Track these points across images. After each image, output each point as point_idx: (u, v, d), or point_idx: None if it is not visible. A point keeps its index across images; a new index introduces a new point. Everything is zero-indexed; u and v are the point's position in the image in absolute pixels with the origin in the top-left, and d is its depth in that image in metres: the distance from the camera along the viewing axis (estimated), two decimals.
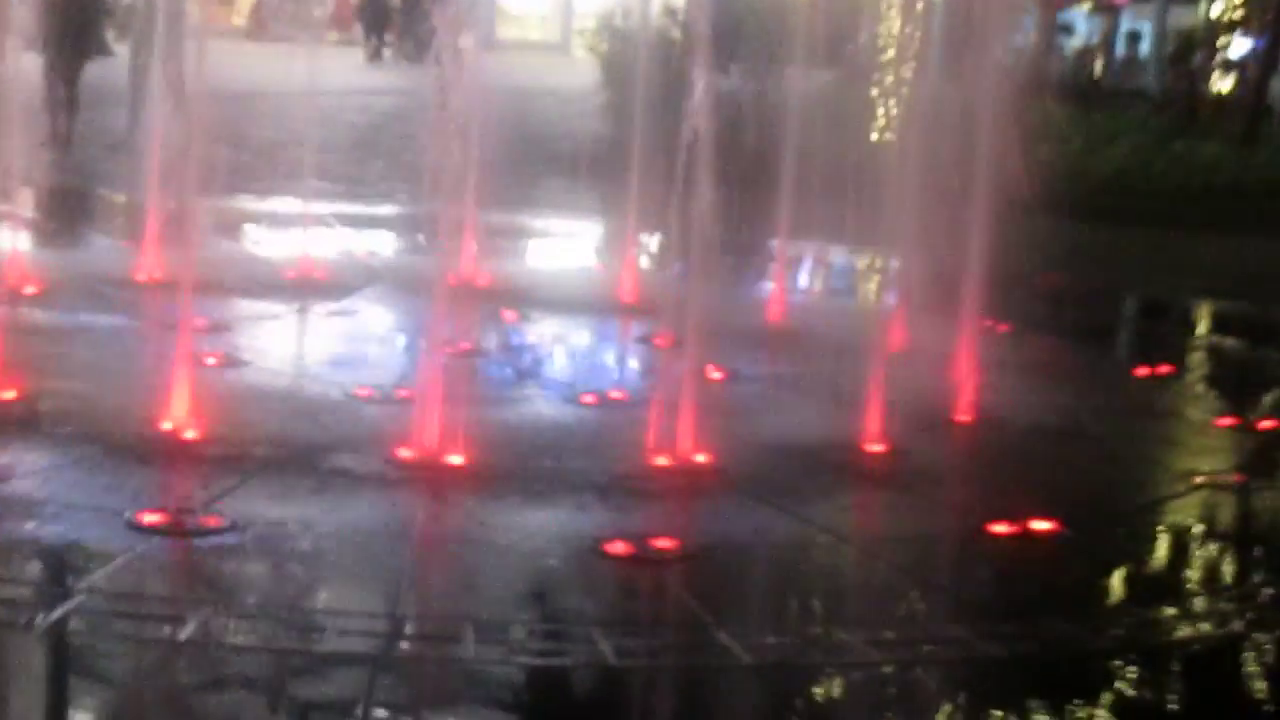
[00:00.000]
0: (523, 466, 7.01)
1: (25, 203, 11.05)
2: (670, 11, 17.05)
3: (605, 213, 13.05)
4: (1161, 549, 6.84)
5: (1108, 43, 34.14)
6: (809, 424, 7.93)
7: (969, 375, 8.41)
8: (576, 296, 11.29)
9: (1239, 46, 29.74)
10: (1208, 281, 13.84)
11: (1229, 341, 11.89)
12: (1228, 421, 8.76)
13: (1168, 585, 6.24)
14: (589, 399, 8.41)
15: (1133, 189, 18.14)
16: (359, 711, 4.75)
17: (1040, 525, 6.61)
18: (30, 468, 6.59)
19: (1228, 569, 6.61)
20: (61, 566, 5.72)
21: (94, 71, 19.04)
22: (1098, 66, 32.29)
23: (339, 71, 21.71)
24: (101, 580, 5.51)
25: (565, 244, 14.67)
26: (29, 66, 13.10)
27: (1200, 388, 10.03)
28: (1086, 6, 35.31)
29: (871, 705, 5.20)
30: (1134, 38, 34.54)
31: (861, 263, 12.65)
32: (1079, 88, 28.08)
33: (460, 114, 7.22)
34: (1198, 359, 11.11)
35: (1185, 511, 7.19)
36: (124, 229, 13.02)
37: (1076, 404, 8.85)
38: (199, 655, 5.02)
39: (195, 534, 6.01)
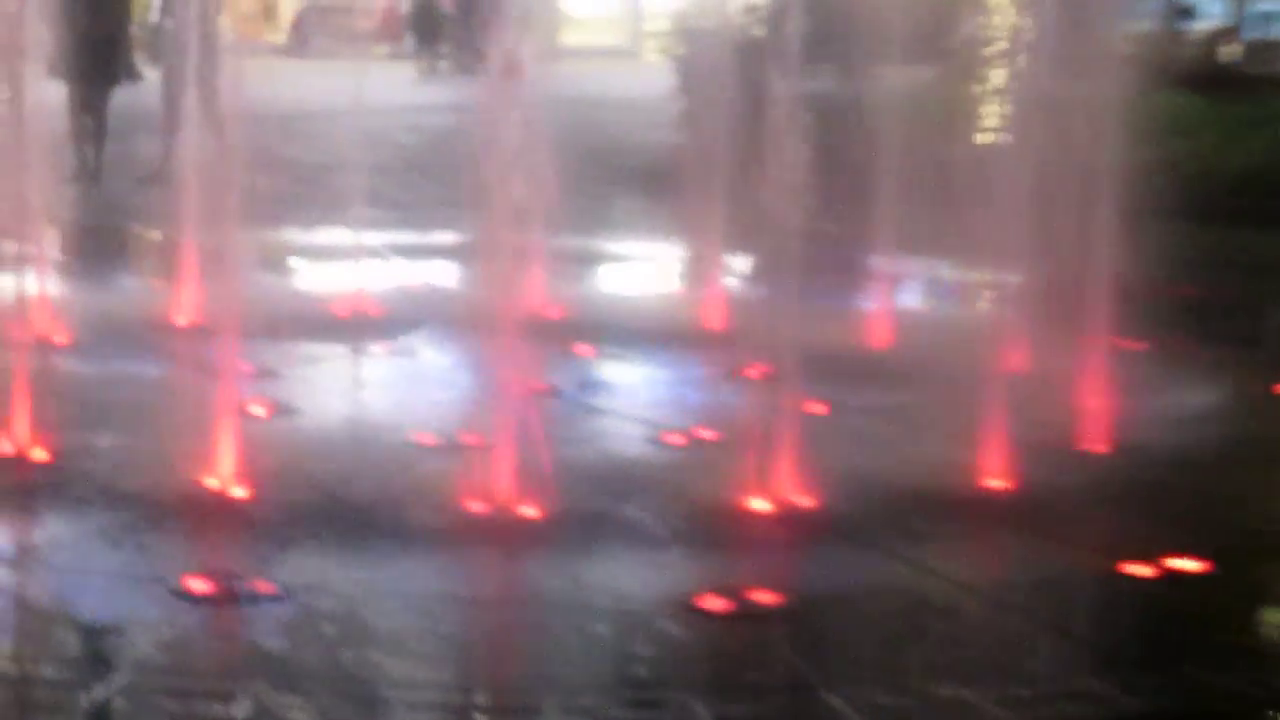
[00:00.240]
0: (604, 516, 7.01)
1: (52, 243, 11.16)
2: (752, 8, 17.05)
3: (686, 232, 13.04)
4: None
5: (1239, 25, 33.91)
6: (921, 459, 7.88)
7: (1098, 399, 8.35)
8: (657, 326, 11.28)
9: None
10: None
11: None
12: None
13: None
14: (676, 439, 8.41)
15: (1273, 187, 17.96)
16: None
17: (1185, 565, 6.55)
18: (67, 533, 6.65)
19: None
20: (104, 640, 5.76)
21: (122, 98, 19.24)
22: (1229, 51, 32.06)
23: (388, 87, 21.86)
24: (147, 654, 5.55)
25: (643, 268, 14.69)
26: (52, 95, 13.27)
27: None
28: None
29: None
30: (1268, 18, 34.29)
31: (973, 278, 12.58)
32: (1209, 76, 27.87)
33: (523, 130, 7.24)
34: None
35: None
36: (159, 268, 13.12)
37: (1221, 428, 8.77)
38: None
39: (246, 601, 6.03)
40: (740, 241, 11.24)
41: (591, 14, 46.58)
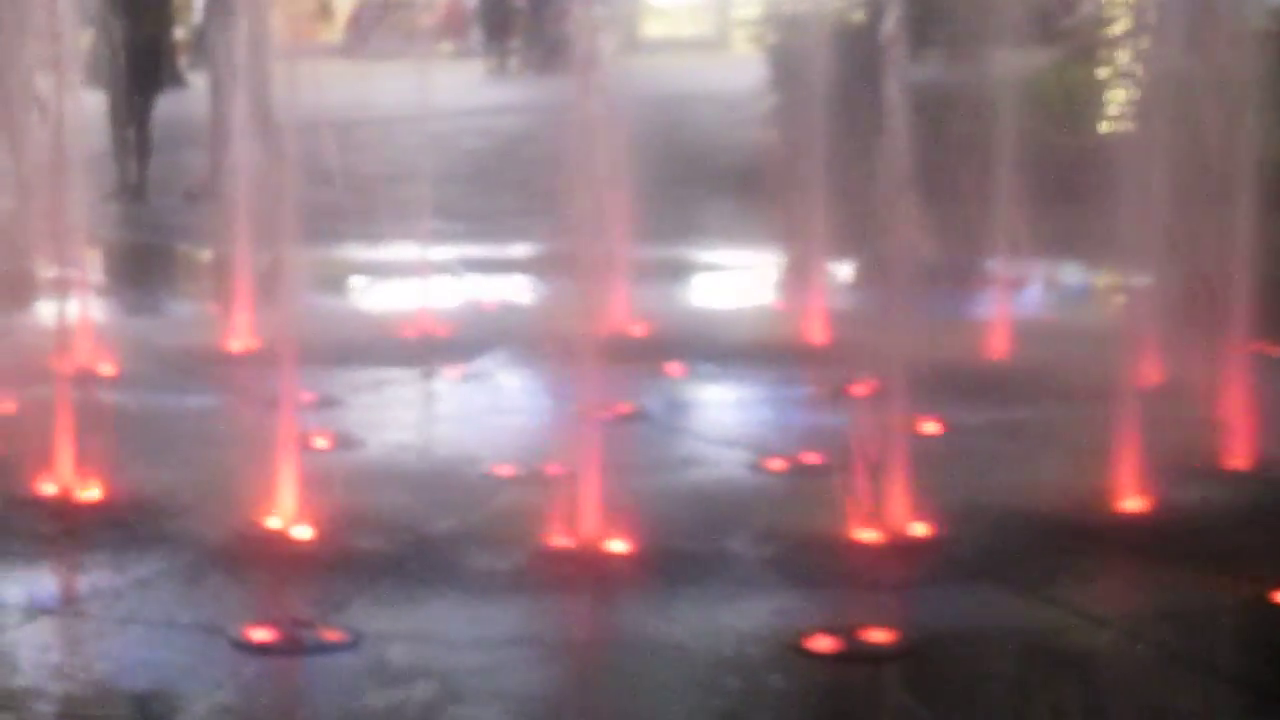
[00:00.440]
0: (701, 550, 7.01)
1: (95, 266, 11.27)
2: None
3: (783, 238, 13.04)
4: None
5: None
6: (1047, 481, 7.84)
7: (1242, 412, 8.29)
8: (754, 341, 11.28)
9: None
10: None
11: None
12: None
13: None
14: (776, 465, 8.41)
15: None
16: None
17: None
18: (116, 580, 6.70)
19: None
20: (160, 697, 5.79)
21: (166, 107, 19.42)
22: None
23: (455, 88, 21.98)
24: (207, 712, 5.58)
25: (737, 279, 14.68)
26: (92, 106, 13.41)
27: None
28: None
29: None
30: None
31: (1100, 281, 12.52)
32: None
33: (602, 131, 7.26)
34: None
35: None
36: (210, 290, 13.23)
37: None
38: None
39: (313, 651, 6.07)
40: (842, 247, 11.22)
41: (675, 3, 46.73)
